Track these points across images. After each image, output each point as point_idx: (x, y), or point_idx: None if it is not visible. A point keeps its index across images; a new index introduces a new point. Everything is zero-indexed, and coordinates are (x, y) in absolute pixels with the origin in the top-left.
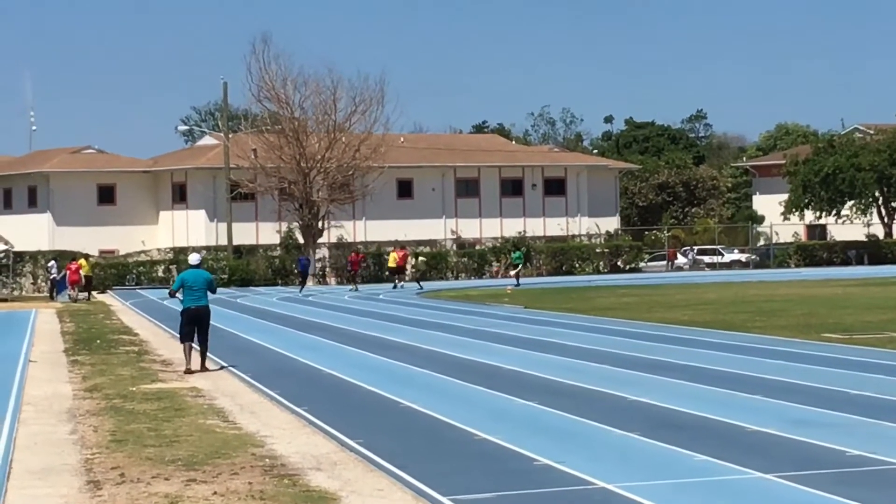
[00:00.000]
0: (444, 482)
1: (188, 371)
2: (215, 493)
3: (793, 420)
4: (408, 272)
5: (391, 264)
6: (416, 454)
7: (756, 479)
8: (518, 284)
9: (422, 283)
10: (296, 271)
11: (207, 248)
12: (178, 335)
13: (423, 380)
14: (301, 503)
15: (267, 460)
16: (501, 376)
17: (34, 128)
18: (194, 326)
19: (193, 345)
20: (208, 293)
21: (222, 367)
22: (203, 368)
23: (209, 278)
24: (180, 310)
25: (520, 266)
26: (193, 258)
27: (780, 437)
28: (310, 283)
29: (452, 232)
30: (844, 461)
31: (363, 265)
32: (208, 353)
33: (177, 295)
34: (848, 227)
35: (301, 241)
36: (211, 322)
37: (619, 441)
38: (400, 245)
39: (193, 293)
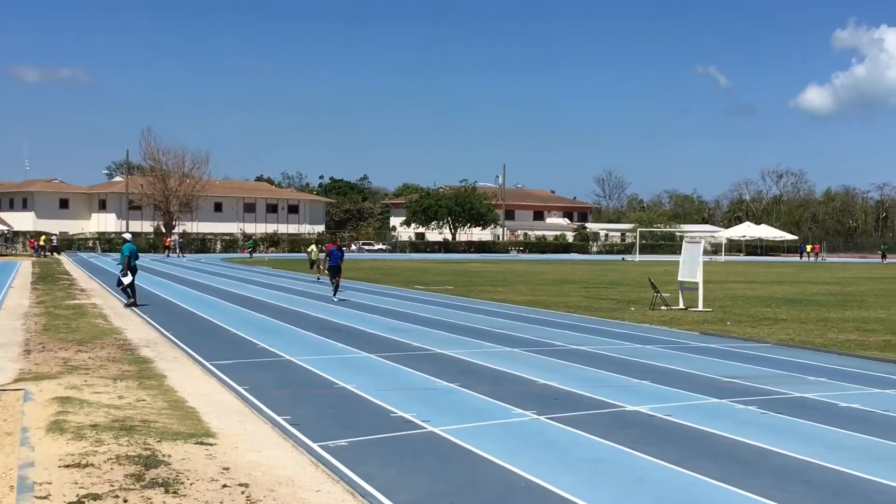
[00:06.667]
0: (210, 355)
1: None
2: (90, 357)
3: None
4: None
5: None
6: (201, 342)
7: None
8: (251, 257)
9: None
10: (321, 268)
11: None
12: (125, 288)
13: (216, 306)
14: (133, 363)
15: (121, 341)
16: (280, 311)
17: None
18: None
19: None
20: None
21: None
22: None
23: (134, 248)
24: (120, 274)
25: (252, 247)
26: (130, 235)
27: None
28: (170, 253)
29: (240, 229)
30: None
31: (182, 244)
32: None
33: (124, 275)
34: (435, 233)
35: (163, 230)
36: (113, 272)
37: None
38: (164, 235)
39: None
